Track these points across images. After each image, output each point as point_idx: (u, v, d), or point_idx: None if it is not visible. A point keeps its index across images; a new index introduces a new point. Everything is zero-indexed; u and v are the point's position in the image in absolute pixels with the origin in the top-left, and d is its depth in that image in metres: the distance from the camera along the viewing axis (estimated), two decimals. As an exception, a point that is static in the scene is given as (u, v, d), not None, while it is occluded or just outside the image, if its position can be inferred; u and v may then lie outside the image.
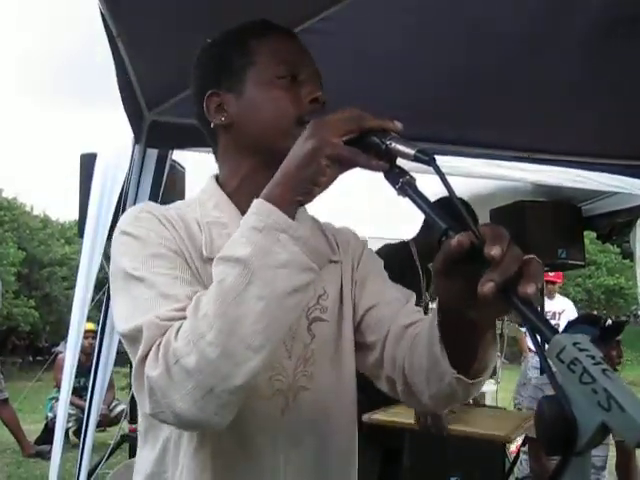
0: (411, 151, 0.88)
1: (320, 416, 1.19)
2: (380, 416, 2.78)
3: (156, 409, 0.93)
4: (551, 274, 6.93)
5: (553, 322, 7.28)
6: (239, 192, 1.17)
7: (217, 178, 1.22)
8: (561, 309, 7.50)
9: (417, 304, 3.17)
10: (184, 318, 0.92)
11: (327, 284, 1.22)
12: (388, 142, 0.90)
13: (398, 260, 2.81)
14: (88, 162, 3.41)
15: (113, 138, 3.38)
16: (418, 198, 0.84)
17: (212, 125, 1.17)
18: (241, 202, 1.14)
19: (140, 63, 2.36)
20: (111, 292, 1.09)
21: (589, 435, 0.54)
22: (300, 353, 1.17)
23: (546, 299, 6.84)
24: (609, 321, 3.54)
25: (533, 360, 7.42)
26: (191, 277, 1.04)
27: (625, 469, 3.36)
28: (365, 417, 2.71)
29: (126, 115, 2.69)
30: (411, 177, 0.90)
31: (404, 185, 0.88)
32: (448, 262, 0.82)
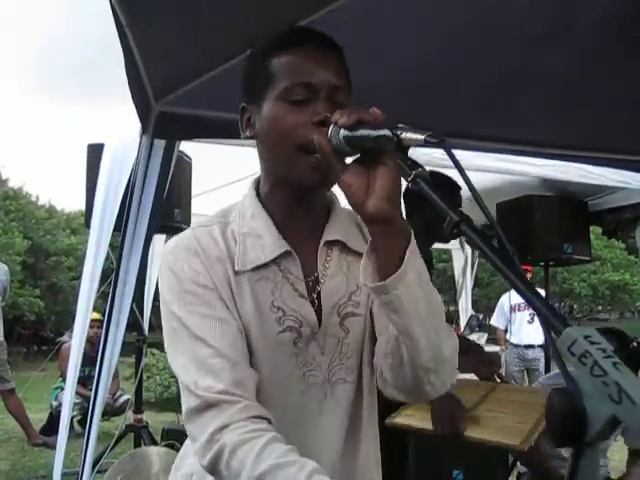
0: (421, 136, 0.89)
1: (354, 406, 1.26)
2: (400, 420, 2.76)
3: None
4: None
5: (528, 313, 7.26)
6: (269, 198, 1.24)
7: (257, 184, 1.28)
8: None
9: None
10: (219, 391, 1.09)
11: (360, 279, 1.21)
12: (399, 132, 0.91)
13: None
14: (95, 152, 3.42)
15: (120, 129, 3.38)
16: (430, 190, 0.85)
17: (242, 137, 1.24)
18: (272, 209, 1.23)
19: (148, 53, 2.35)
20: (162, 315, 1.21)
21: (599, 427, 0.54)
22: (334, 348, 1.23)
23: None
24: (634, 343, 3.28)
25: (512, 353, 7.44)
26: (221, 311, 1.15)
27: (631, 464, 3.34)
28: (387, 421, 2.70)
29: (134, 105, 2.69)
30: (423, 169, 0.90)
31: (416, 177, 0.88)
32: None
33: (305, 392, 1.21)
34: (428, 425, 2.65)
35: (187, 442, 1.31)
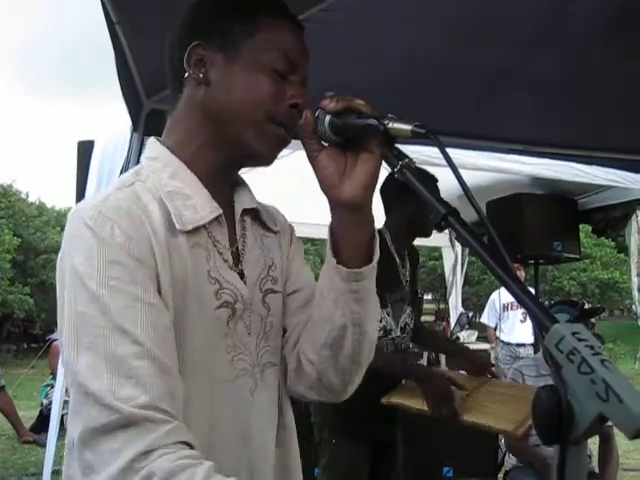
0: (408, 127, 0.88)
1: (280, 391, 1.17)
2: (396, 399, 2.74)
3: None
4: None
5: (521, 312, 7.29)
6: (196, 159, 1.08)
7: (163, 143, 1.11)
8: None
9: (396, 292, 3.10)
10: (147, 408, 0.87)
11: (274, 255, 1.18)
12: (386, 122, 0.90)
13: (381, 248, 2.74)
14: (85, 150, 3.40)
15: (111, 126, 3.37)
16: (417, 181, 0.84)
17: (185, 75, 1.07)
18: (197, 170, 1.08)
19: (139, 51, 2.35)
20: (57, 291, 0.98)
21: (586, 425, 0.54)
22: (259, 328, 1.11)
23: None
24: (586, 305, 3.58)
25: (503, 351, 7.48)
26: (153, 295, 0.95)
27: (604, 453, 3.39)
28: (383, 400, 2.69)
29: (125, 103, 2.68)
30: (410, 160, 0.90)
31: (402, 168, 0.88)
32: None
33: (235, 381, 1.06)
34: (424, 406, 2.64)
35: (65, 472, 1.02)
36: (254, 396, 1.09)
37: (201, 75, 1.06)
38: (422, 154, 3.08)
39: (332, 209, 1.03)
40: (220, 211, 1.07)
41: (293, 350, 1.17)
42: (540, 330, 0.59)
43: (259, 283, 1.13)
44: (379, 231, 3.24)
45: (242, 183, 1.18)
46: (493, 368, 3.12)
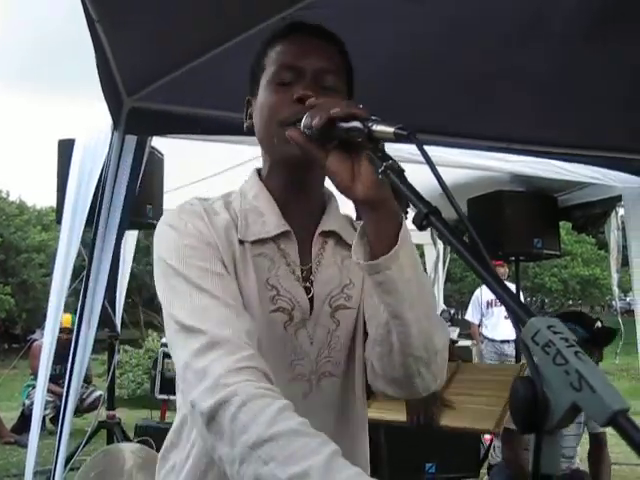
0: (390, 129, 0.90)
1: (341, 402, 1.24)
2: (371, 413, 2.78)
3: (192, 407, 1.01)
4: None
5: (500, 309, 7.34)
6: (270, 183, 1.25)
7: (259, 171, 1.29)
8: None
9: None
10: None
11: (352, 274, 1.25)
12: (370, 124, 0.92)
13: None
14: (66, 148, 3.39)
15: (91, 124, 3.35)
16: (400, 182, 0.86)
17: (245, 128, 1.28)
18: (273, 192, 1.23)
19: (120, 49, 2.34)
20: (155, 275, 1.17)
21: (561, 414, 0.56)
22: (323, 339, 1.21)
23: None
24: (598, 323, 3.35)
25: (487, 349, 7.54)
26: (221, 269, 1.12)
27: (597, 459, 3.42)
28: None
29: (105, 101, 2.67)
30: (394, 161, 0.91)
31: (386, 169, 0.89)
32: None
33: (291, 382, 1.18)
34: (400, 417, 2.66)
35: (171, 430, 1.26)
36: (307, 400, 1.18)
37: (248, 124, 1.27)
38: (405, 152, 3.10)
39: (355, 209, 1.10)
40: (286, 228, 1.20)
41: (366, 350, 1.23)
42: (517, 324, 0.60)
43: (329, 299, 1.22)
44: None
45: (333, 206, 1.29)
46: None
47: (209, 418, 0.96)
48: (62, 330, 4.38)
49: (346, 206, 1.28)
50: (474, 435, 4.15)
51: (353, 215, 1.32)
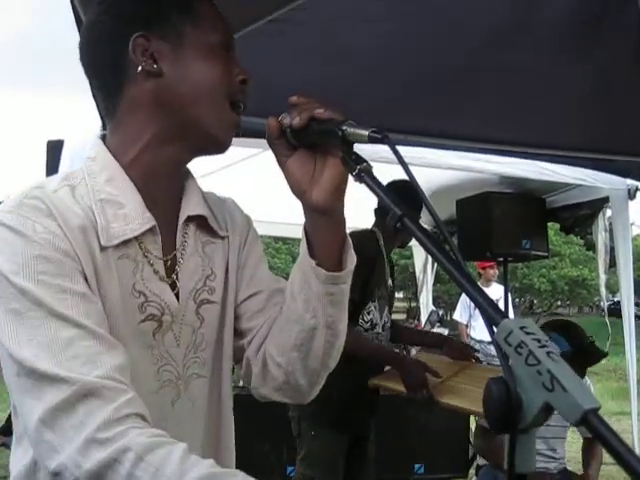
0: (365, 132, 0.90)
1: (210, 403, 1.14)
2: (379, 381, 2.88)
3: (55, 475, 0.85)
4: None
5: None
6: (136, 161, 1.05)
7: (105, 143, 1.08)
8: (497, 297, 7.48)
9: (382, 289, 3.23)
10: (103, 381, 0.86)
11: (214, 263, 1.14)
12: (344, 128, 0.93)
13: (372, 248, 2.83)
14: (55, 149, 3.37)
15: (81, 125, 3.34)
16: (374, 184, 0.87)
17: (139, 69, 1.03)
18: (135, 173, 1.04)
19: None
20: None
21: (534, 414, 0.57)
22: (189, 339, 1.09)
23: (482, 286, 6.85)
24: (589, 339, 3.12)
25: (476, 347, 7.53)
26: (83, 286, 0.93)
27: (589, 456, 3.43)
28: (370, 382, 2.84)
29: (94, 101, 2.66)
30: (368, 164, 0.92)
31: (360, 172, 0.90)
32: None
33: (159, 391, 1.04)
34: (401, 387, 2.77)
35: (17, 471, 1.03)
36: (175, 407, 1.07)
37: (155, 66, 1.03)
38: (390, 153, 3.12)
39: (305, 212, 1.05)
40: (152, 223, 1.03)
41: (257, 353, 1.15)
42: (490, 324, 0.61)
43: (194, 293, 1.10)
44: (371, 231, 3.31)
45: (193, 187, 1.14)
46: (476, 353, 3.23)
47: None
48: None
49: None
50: (463, 435, 4.17)
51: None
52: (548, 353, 0.55)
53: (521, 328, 0.57)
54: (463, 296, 7.97)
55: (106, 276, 0.97)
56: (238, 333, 1.18)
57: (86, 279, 0.94)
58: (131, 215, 1.01)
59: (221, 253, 1.16)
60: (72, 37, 2.25)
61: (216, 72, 1.04)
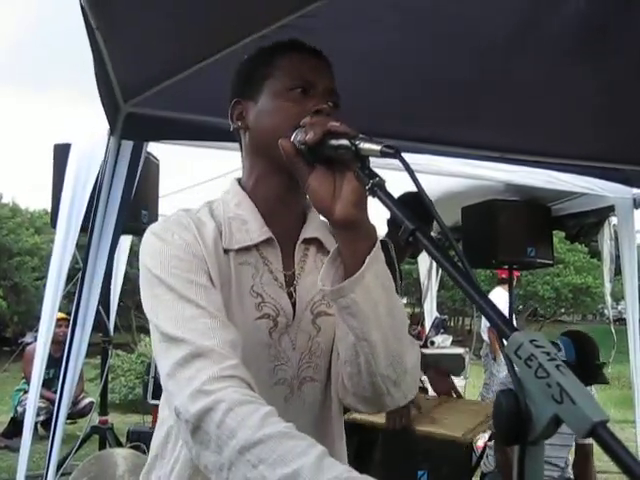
0: (377, 147, 0.93)
1: (321, 406, 1.27)
2: (356, 415, 2.87)
3: (176, 415, 1.01)
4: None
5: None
6: (255, 191, 1.26)
7: (239, 180, 1.31)
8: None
9: None
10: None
11: None
12: (357, 142, 0.95)
13: (385, 258, 2.83)
14: (62, 152, 3.39)
15: (88, 129, 3.36)
16: (387, 199, 0.88)
17: (231, 129, 1.29)
18: (257, 201, 1.25)
19: (118, 55, 2.35)
20: (140, 284, 1.17)
21: (543, 426, 0.58)
22: (305, 345, 1.23)
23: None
24: (599, 361, 3.12)
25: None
26: (206, 281, 1.13)
27: (582, 470, 3.43)
28: (345, 417, 2.80)
29: (102, 106, 2.68)
30: (380, 178, 0.95)
31: (373, 186, 0.92)
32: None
33: (273, 387, 1.20)
34: (379, 420, 2.81)
35: (155, 444, 1.27)
36: (288, 404, 1.21)
37: (240, 123, 1.27)
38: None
39: (332, 228, 1.12)
40: (269, 234, 1.22)
41: (336, 366, 1.26)
42: (501, 338, 0.62)
43: (311, 305, 1.25)
44: (382, 241, 3.35)
45: (313, 216, 1.30)
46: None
47: (194, 426, 0.96)
48: (59, 322, 4.40)
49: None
50: (467, 443, 4.16)
51: None
52: (557, 366, 0.55)
53: (531, 341, 0.58)
54: None
55: (226, 276, 1.17)
56: None
57: (210, 277, 1.14)
58: (252, 229, 1.22)
59: None
60: (77, 41, 2.29)
61: (280, 112, 1.19)
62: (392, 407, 1.22)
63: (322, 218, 1.26)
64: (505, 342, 0.60)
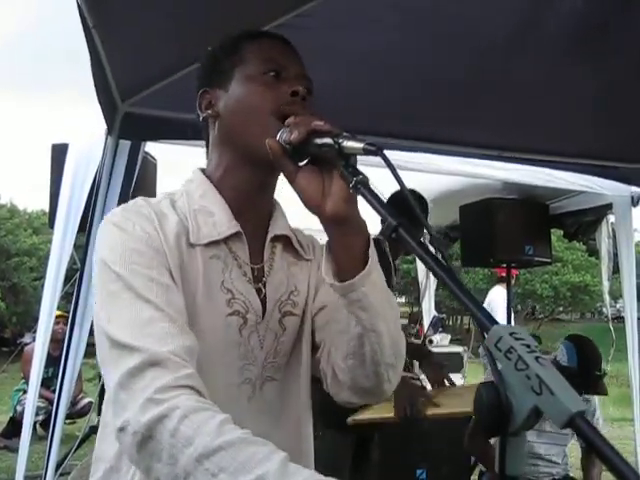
0: (360, 145, 0.94)
1: (282, 406, 1.25)
2: (361, 416, 2.85)
3: (120, 430, 0.97)
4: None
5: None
6: (223, 183, 1.22)
7: (203, 171, 1.26)
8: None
9: None
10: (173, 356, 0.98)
11: (298, 281, 1.28)
12: (340, 141, 0.96)
13: (379, 257, 2.84)
14: (59, 153, 3.39)
15: (85, 129, 3.36)
16: (370, 196, 0.89)
17: (201, 119, 1.24)
18: (225, 192, 1.21)
19: (115, 55, 2.35)
20: (93, 279, 1.13)
21: (523, 417, 0.58)
22: (271, 344, 1.21)
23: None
24: (600, 371, 3.04)
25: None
26: (168, 279, 1.08)
27: (588, 464, 3.43)
28: (349, 420, 2.79)
29: (100, 106, 2.68)
30: (364, 176, 0.95)
31: (357, 184, 0.93)
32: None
33: (240, 386, 1.18)
34: (389, 414, 2.77)
35: (106, 454, 1.17)
36: (250, 404, 1.19)
37: (210, 111, 1.22)
38: (402, 161, 3.16)
39: (324, 226, 1.10)
40: (237, 228, 1.18)
41: (328, 362, 1.24)
42: (481, 331, 0.62)
43: (279, 304, 1.23)
44: (376, 239, 3.37)
45: (280, 213, 1.29)
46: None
47: (144, 437, 0.92)
48: (57, 319, 4.40)
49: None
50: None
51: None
52: (537, 358, 0.56)
53: (511, 334, 0.59)
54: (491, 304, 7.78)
55: (192, 272, 1.12)
56: (314, 347, 1.29)
57: (171, 274, 1.09)
58: (219, 222, 1.17)
59: (306, 273, 1.30)
60: (75, 41, 2.29)
61: (254, 96, 1.16)
62: (388, 393, 1.23)
63: (286, 218, 1.30)
64: (486, 335, 0.61)
